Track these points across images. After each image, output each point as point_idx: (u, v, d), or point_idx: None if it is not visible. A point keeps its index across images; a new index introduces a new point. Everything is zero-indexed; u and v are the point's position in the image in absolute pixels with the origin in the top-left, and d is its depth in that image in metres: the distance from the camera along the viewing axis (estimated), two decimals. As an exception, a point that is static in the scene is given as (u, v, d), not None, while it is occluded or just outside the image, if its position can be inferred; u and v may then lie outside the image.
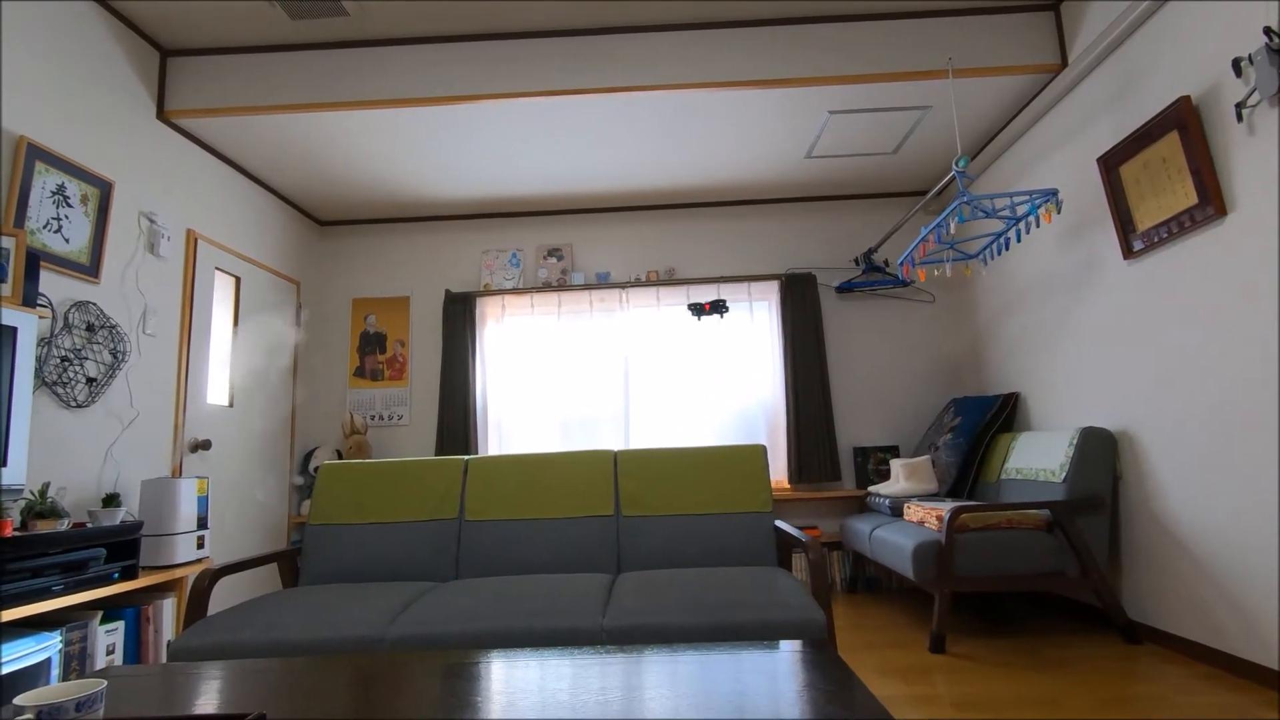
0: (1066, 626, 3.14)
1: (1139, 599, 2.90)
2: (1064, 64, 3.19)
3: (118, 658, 2.41)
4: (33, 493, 2.40)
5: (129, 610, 2.50)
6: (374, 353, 4.68)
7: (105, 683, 1.03)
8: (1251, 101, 2.25)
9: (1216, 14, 2.39)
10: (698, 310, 3.61)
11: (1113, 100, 2.94)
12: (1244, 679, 2.37)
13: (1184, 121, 2.49)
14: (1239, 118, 2.29)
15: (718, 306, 3.56)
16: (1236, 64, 2.25)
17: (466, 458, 2.73)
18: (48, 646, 2.11)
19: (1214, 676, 2.41)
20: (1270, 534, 2.25)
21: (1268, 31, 2.11)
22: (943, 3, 3.20)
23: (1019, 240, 3.10)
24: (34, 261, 2.37)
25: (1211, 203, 2.41)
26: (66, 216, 2.67)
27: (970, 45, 3.22)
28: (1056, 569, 2.89)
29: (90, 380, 2.75)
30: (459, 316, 4.56)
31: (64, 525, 2.30)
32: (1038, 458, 3.22)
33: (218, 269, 3.68)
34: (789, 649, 1.41)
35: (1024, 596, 3.73)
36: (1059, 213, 2.91)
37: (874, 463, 4.42)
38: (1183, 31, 2.54)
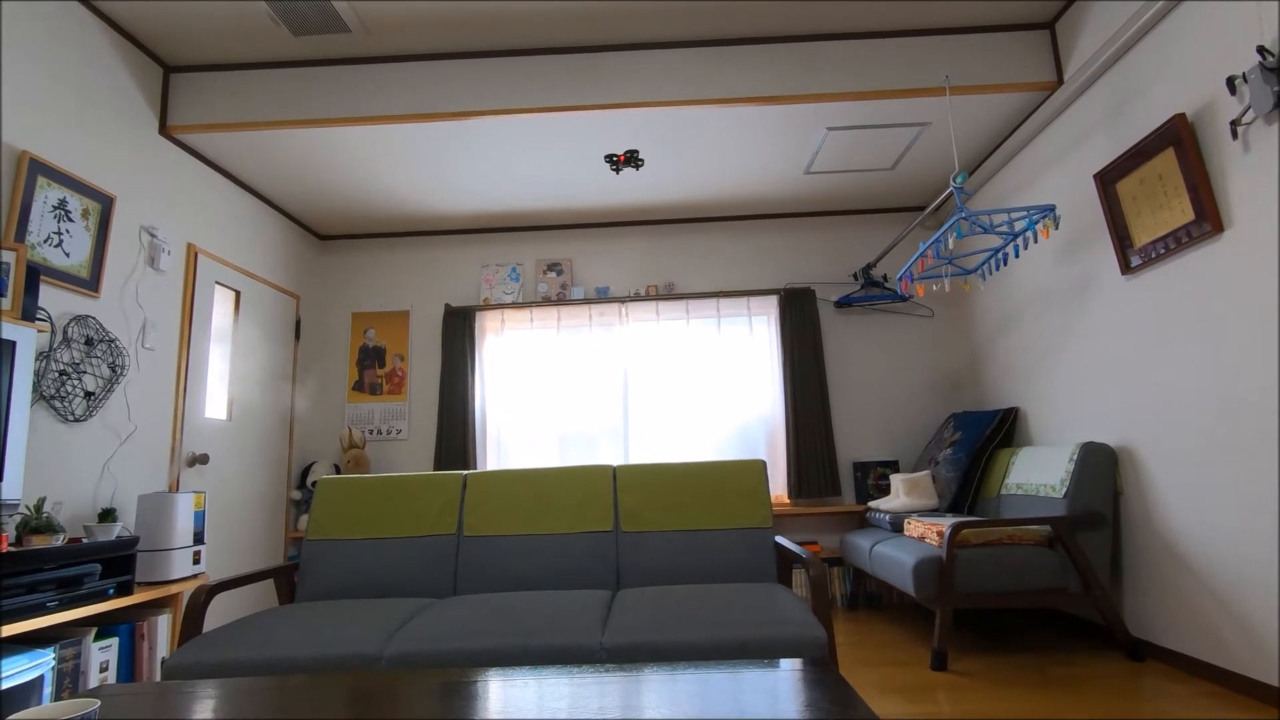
0: (1069, 643, 3.11)
1: (1142, 615, 2.88)
2: (1060, 81, 3.22)
3: (111, 675, 2.38)
4: (29, 507, 2.38)
5: (123, 627, 2.47)
6: (373, 367, 4.67)
7: (98, 702, 1.01)
8: (1246, 119, 2.27)
9: (1210, 33, 2.41)
10: (613, 162, 3.54)
11: (1108, 117, 2.97)
12: (1249, 697, 2.34)
13: (1179, 138, 2.51)
14: (1234, 135, 2.31)
15: (632, 157, 3.48)
16: (1231, 82, 2.28)
17: (465, 473, 2.72)
18: (40, 664, 2.09)
19: (1219, 695, 2.39)
20: (1272, 549, 2.24)
21: (1261, 50, 2.13)
22: (940, 20, 3.24)
23: (1017, 256, 3.11)
24: (34, 276, 2.38)
25: (1208, 219, 2.42)
26: (67, 231, 2.68)
27: (967, 63, 3.26)
28: (1058, 585, 2.88)
29: (88, 394, 2.74)
30: (458, 330, 4.56)
31: (59, 540, 2.28)
32: (1038, 473, 3.21)
33: (218, 283, 3.68)
34: (790, 667, 1.40)
35: (1026, 613, 3.71)
36: (1057, 228, 2.92)
37: (874, 478, 4.41)
38: (1177, 50, 2.57)
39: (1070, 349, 3.34)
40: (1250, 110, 2.25)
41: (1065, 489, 2.98)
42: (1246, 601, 2.36)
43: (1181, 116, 2.51)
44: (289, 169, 3.79)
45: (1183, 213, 2.54)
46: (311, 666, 1.81)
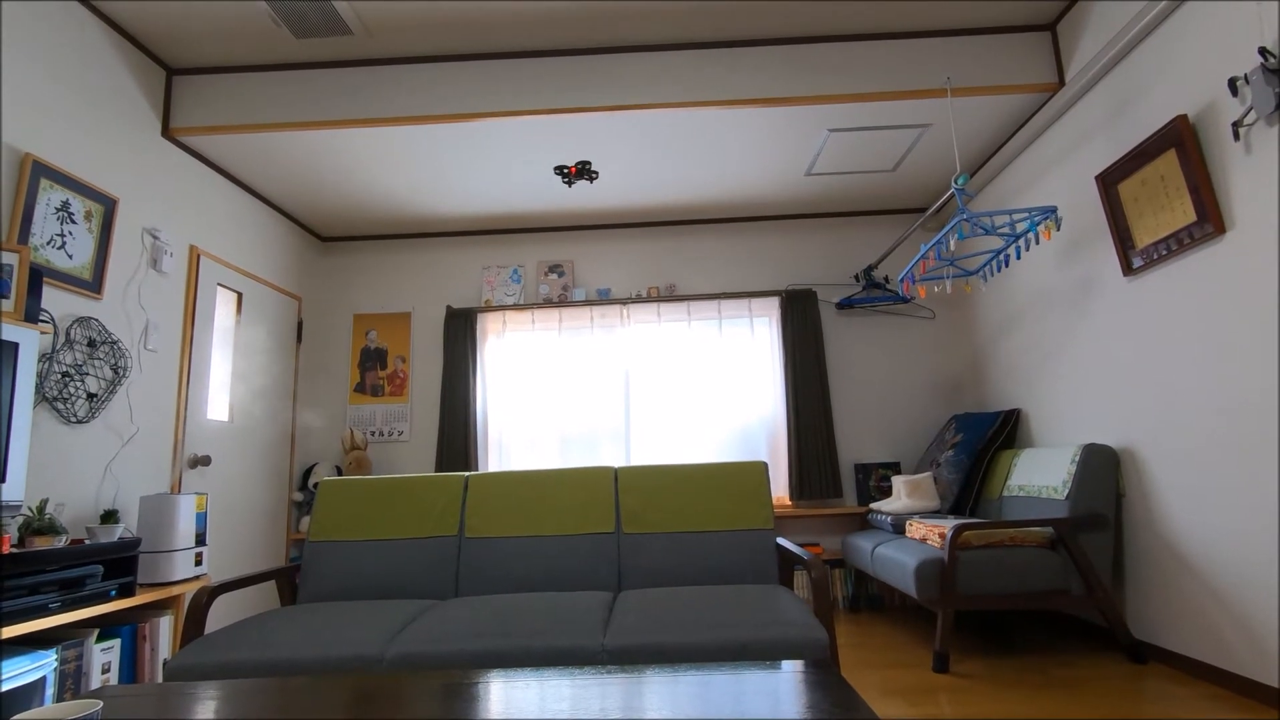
0: (1071, 645, 3.11)
1: (1144, 617, 2.88)
2: (1061, 83, 3.22)
3: (113, 676, 2.38)
4: (31, 509, 2.39)
5: (125, 628, 2.48)
6: (375, 368, 4.68)
7: (101, 703, 1.02)
8: (1248, 120, 2.27)
9: (1212, 34, 2.41)
10: (564, 173, 3.47)
11: (1110, 119, 2.97)
12: (1252, 699, 2.34)
13: (1181, 140, 2.51)
14: (1236, 136, 2.31)
15: (584, 169, 3.40)
16: (1232, 83, 2.28)
17: (467, 474, 2.72)
18: (43, 665, 2.09)
19: (1221, 697, 2.38)
20: (1275, 550, 2.24)
21: (1263, 51, 2.13)
22: (941, 22, 3.24)
23: (1019, 257, 3.11)
24: (37, 277, 2.38)
25: (1210, 220, 2.42)
26: (70, 233, 2.68)
27: (968, 64, 3.26)
28: (1060, 587, 2.87)
29: (91, 396, 2.75)
30: (460, 332, 4.56)
31: (62, 542, 2.29)
32: (1040, 474, 3.21)
33: (220, 285, 3.69)
34: (791, 669, 1.40)
35: (1028, 615, 3.70)
36: (1058, 230, 2.92)
37: (875, 479, 4.40)
38: (1178, 51, 2.57)
39: (1072, 350, 3.33)
40: (1252, 111, 2.25)
41: (1067, 490, 2.97)
42: (1249, 603, 2.35)
43: (1183, 118, 2.51)
44: (291, 171, 3.79)
45: (1184, 214, 2.54)
46: (313, 668, 1.81)
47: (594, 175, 3.59)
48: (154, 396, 3.14)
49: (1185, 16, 2.53)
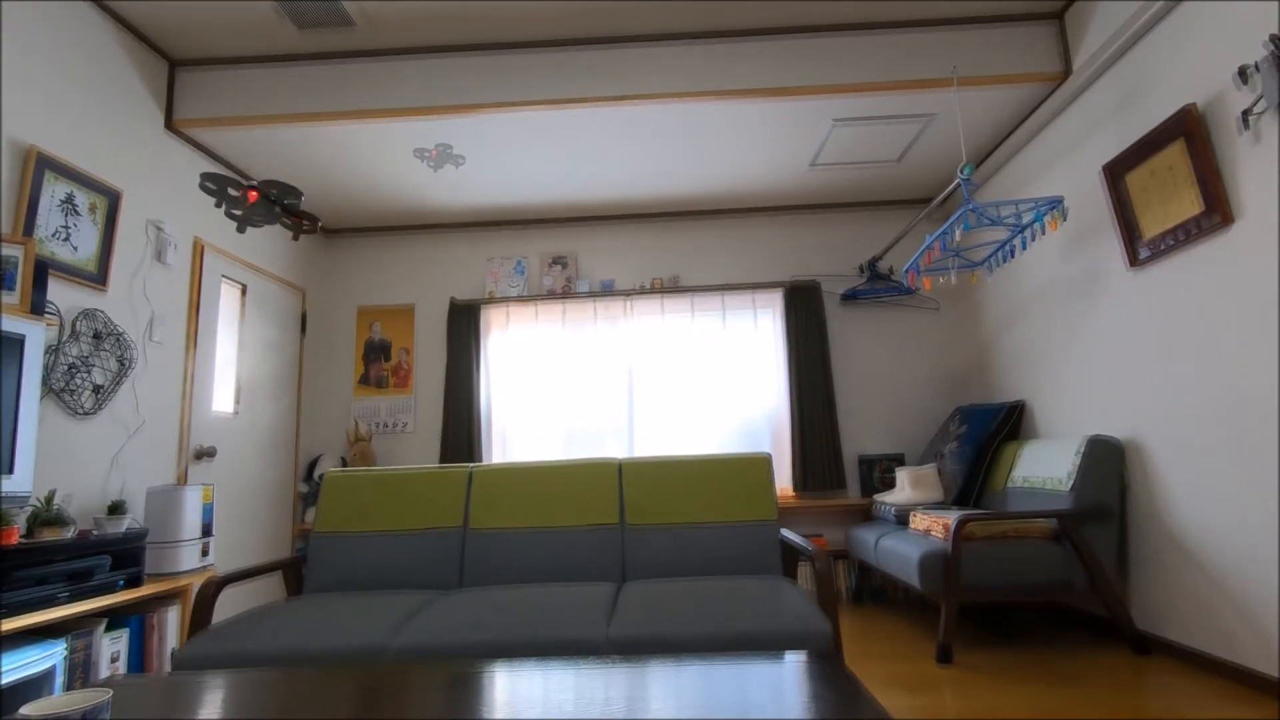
0: (1075, 638, 3.11)
1: (1149, 610, 2.88)
2: (1068, 73, 3.19)
3: (121, 666, 2.40)
4: (39, 501, 2.40)
5: (133, 619, 2.49)
6: (379, 361, 4.69)
7: (111, 692, 1.02)
8: (1257, 110, 2.25)
9: (1221, 22, 2.39)
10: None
11: (1117, 109, 2.94)
12: (1256, 691, 2.34)
13: (1189, 130, 2.49)
14: (1244, 126, 2.29)
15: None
16: (1241, 72, 2.25)
17: (471, 467, 2.73)
18: (52, 655, 2.11)
19: (1225, 690, 2.38)
20: (1278, 542, 2.23)
21: (1273, 40, 2.11)
22: (947, 12, 3.21)
23: (1024, 249, 3.09)
24: (42, 270, 2.39)
25: (1218, 211, 2.40)
26: (75, 225, 2.69)
27: (974, 55, 3.23)
28: (1064, 580, 2.87)
29: (97, 388, 2.76)
30: (464, 325, 4.57)
31: (69, 533, 2.30)
32: (1044, 467, 3.21)
33: (224, 277, 3.69)
34: (795, 660, 1.40)
35: (1032, 607, 3.70)
36: (1064, 221, 2.90)
37: (879, 471, 4.40)
38: (1187, 40, 2.54)
39: (1077, 342, 3.32)
40: (1261, 101, 2.23)
41: (1072, 483, 2.97)
42: (1253, 595, 2.35)
43: (1191, 107, 2.49)
44: (294, 163, 3.79)
45: (1192, 204, 2.52)
46: (320, 659, 1.82)
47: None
48: (159, 388, 3.15)
49: (1193, 5, 2.50)
